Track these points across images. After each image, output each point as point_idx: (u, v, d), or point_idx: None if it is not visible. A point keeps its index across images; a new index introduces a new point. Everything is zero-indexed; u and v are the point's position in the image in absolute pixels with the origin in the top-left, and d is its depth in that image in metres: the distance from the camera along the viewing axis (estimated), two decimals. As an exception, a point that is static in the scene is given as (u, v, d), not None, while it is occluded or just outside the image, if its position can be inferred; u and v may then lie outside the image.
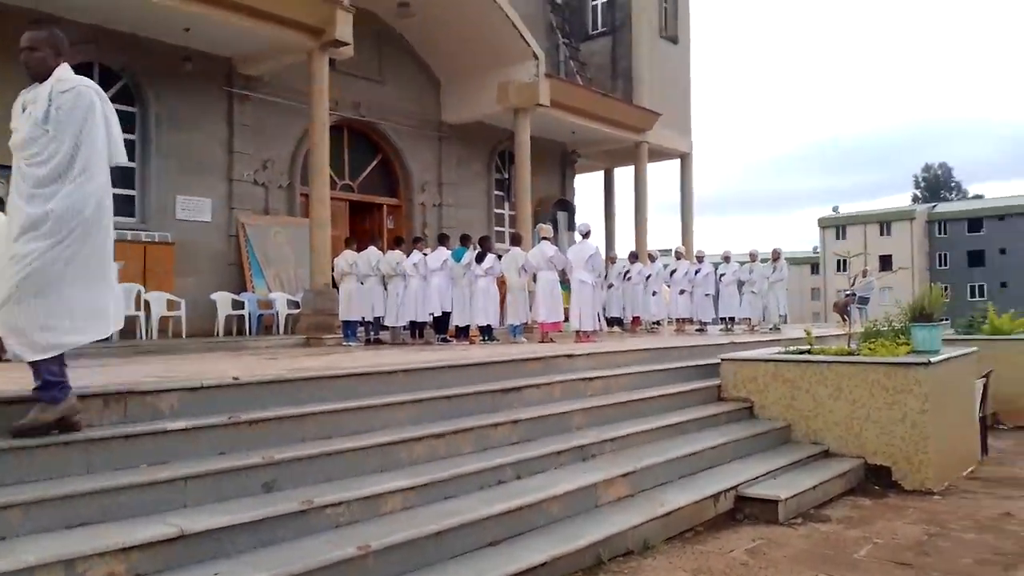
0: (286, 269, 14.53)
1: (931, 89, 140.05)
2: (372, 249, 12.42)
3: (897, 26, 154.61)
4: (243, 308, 13.10)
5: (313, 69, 12.84)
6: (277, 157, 14.71)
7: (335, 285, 12.61)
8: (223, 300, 12.89)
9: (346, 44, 12.83)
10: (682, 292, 15.87)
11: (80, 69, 12.78)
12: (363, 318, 12.28)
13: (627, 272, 15.98)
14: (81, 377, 5.36)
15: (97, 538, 3.44)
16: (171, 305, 12.26)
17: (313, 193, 13.04)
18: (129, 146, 12.79)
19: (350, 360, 7.18)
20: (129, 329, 11.72)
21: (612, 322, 16.22)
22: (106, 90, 12.33)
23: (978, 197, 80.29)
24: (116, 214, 12.21)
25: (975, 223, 69.09)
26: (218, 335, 12.60)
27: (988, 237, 67.73)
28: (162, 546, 3.53)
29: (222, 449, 4.46)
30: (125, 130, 12.99)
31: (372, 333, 12.42)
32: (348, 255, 12.33)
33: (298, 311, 13.23)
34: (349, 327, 12.14)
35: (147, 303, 11.90)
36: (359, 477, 4.71)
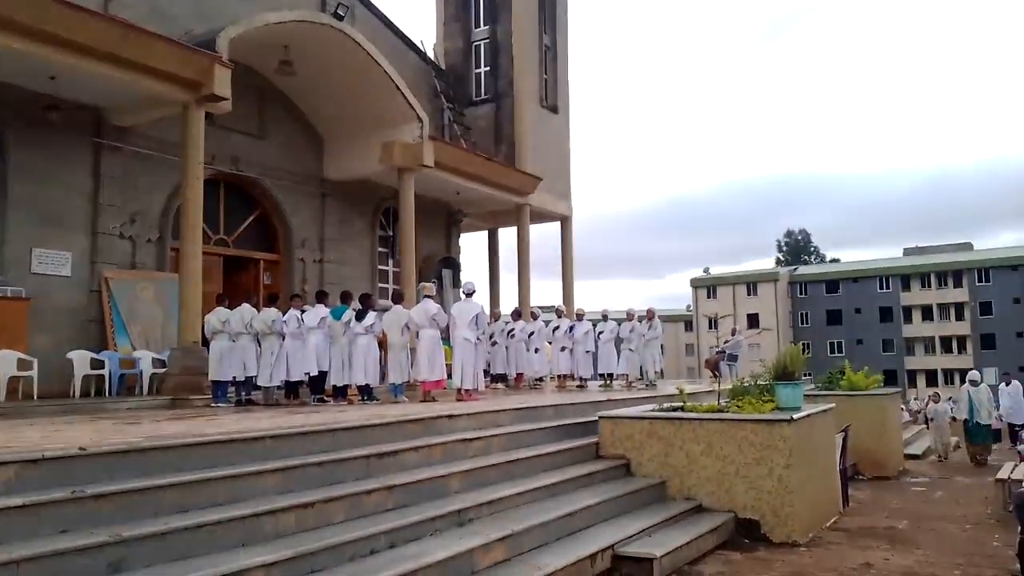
0: (153, 326, 13.75)
1: (786, 159, 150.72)
2: (245, 306, 11.95)
3: (758, 98, 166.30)
4: (103, 367, 12.27)
5: (188, 123, 12.42)
6: (147, 210, 14.04)
7: (206, 343, 12.03)
8: (81, 359, 12.03)
9: (224, 99, 12.52)
10: (563, 349, 16.10)
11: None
12: (234, 377, 11.74)
13: (511, 329, 16.10)
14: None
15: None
16: (22, 365, 11.33)
17: (184, 247, 12.49)
18: (-20, 195, 11.99)
19: (215, 425, 6.81)
20: (-29, 391, 10.76)
21: (497, 379, 16.23)
22: (-44, 135, 11.64)
23: (835, 261, 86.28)
24: (-41, 268, 11.09)
25: (832, 284, 74.11)
26: (74, 397, 11.71)
27: (844, 298, 72.71)
28: (-15, 641, 3.17)
29: (64, 527, 4.10)
30: (-24, 178, 12.14)
31: (244, 393, 11.88)
32: (220, 312, 11.80)
33: (164, 370, 12.52)
34: (219, 387, 11.56)
35: (-7, 362, 10.97)
36: (219, 553, 4.42)
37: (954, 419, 15.15)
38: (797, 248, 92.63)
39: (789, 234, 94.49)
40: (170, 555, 4.24)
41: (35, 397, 11.19)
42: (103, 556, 3.97)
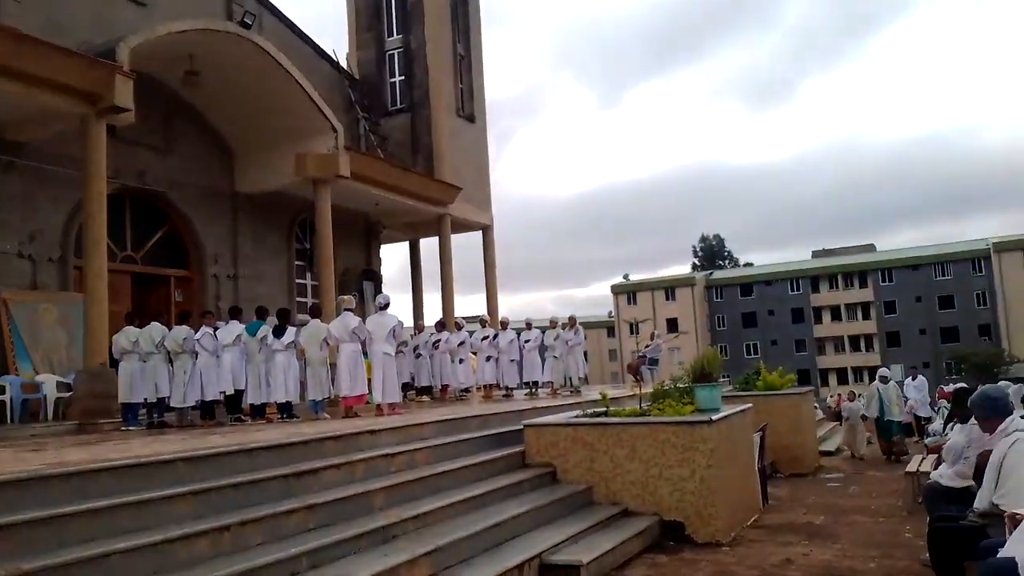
0: (57, 349, 13.08)
1: (697, 160, 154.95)
2: (155, 324, 11.49)
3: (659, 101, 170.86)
4: (4, 393, 11.61)
5: (89, 136, 11.87)
6: (47, 228, 13.38)
7: (114, 364, 11.51)
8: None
9: (127, 110, 12.04)
10: (488, 359, 16.07)
11: None
12: (146, 399, 11.27)
13: (436, 341, 15.97)
14: None
15: None
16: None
17: (89, 266, 11.94)
18: None
19: (123, 450, 6.50)
20: None
21: (421, 391, 16.07)
22: None
23: (748, 265, 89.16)
24: None
25: (746, 288, 76.58)
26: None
27: (758, 300, 75.21)
28: None
29: (-45, 566, 3.82)
30: None
31: (156, 415, 11.41)
32: (129, 331, 11.32)
33: (70, 394, 11.92)
34: (130, 410, 11.07)
35: None
36: (129, 584, 4.20)
37: (865, 417, 15.63)
38: (712, 253, 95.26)
39: (704, 239, 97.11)
40: (75, 589, 4.01)
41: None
42: (-1, 595, 3.72)
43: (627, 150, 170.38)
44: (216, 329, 11.40)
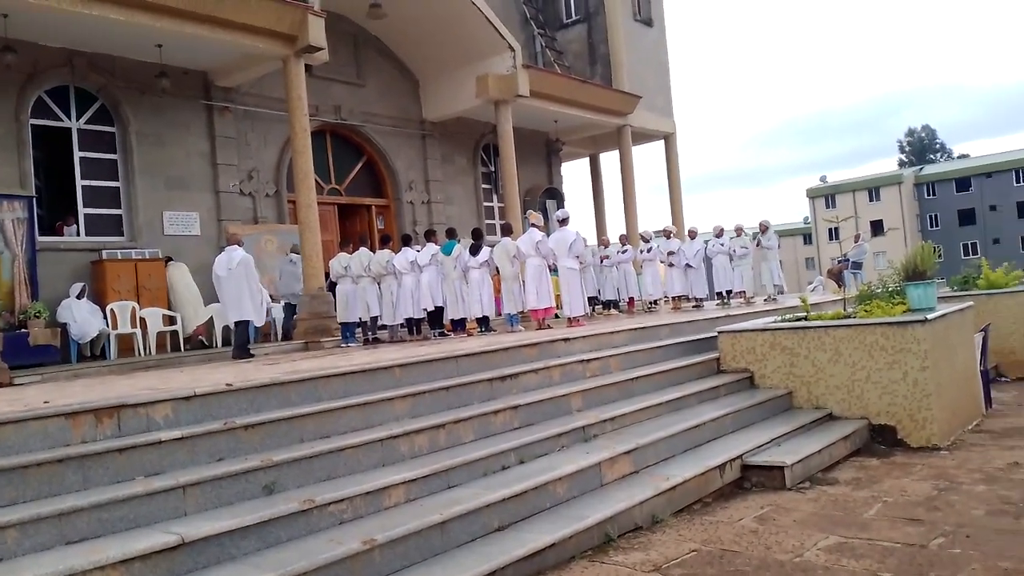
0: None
1: (903, 56, 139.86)
2: (363, 250, 12.38)
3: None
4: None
5: (289, 76, 12.75)
6: (262, 166, 14.63)
7: (331, 288, 12.58)
8: (219, 312, 12.83)
9: (320, 48, 12.74)
10: (671, 265, 15.69)
11: (55, 93, 12.54)
12: (360, 318, 12.25)
13: (623, 251, 15.90)
14: (75, 394, 5.33)
15: (96, 552, 3.41)
16: (167, 320, 12.21)
17: (300, 199, 12.97)
18: (111, 166, 12.78)
19: (347, 360, 7.14)
20: (127, 347, 11.68)
21: (608, 304, 16.19)
22: (83, 112, 12.42)
23: (964, 157, 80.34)
24: (104, 234, 12.03)
25: (963, 182, 69.15)
26: (216, 346, 12.55)
27: (977, 195, 67.80)
28: (163, 555, 3.50)
29: (220, 455, 4.43)
30: (106, 150, 12.94)
31: (370, 333, 12.39)
32: (341, 257, 12.31)
33: (295, 317, 13.19)
34: (347, 328, 12.10)
35: (143, 320, 11.85)
36: (360, 473, 4.69)
37: None
38: (922, 147, 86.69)
39: (911, 132, 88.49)
40: (317, 476, 4.53)
41: (182, 348, 12.05)
42: (257, 479, 4.29)
43: (825, 64, 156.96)
44: (418, 251, 12.07)
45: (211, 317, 12.72)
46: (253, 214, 14.46)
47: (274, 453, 4.50)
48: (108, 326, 11.48)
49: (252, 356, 10.28)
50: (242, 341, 10.35)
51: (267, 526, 3.91)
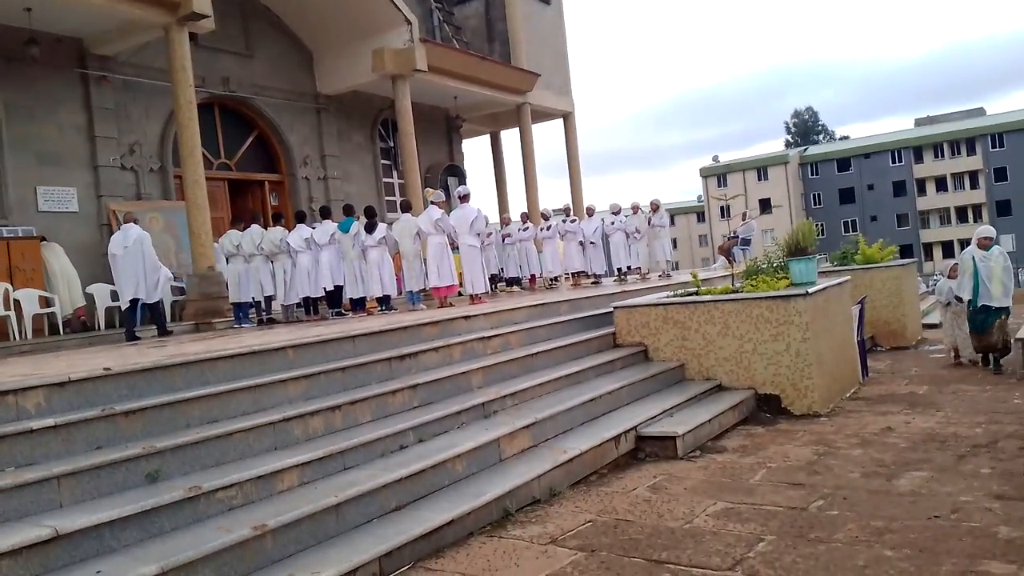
0: (166, 255, 13.76)
1: (785, 37, 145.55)
2: (255, 227, 11.94)
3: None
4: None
5: (172, 46, 12.07)
6: (144, 140, 13.87)
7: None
8: (101, 292, 12.14)
9: (205, 16, 12.09)
10: (571, 244, 15.92)
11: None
12: (253, 298, 11.86)
13: (522, 231, 16.02)
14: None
15: (-41, 550, 3.18)
16: (44, 302, 11.48)
17: (187, 175, 12.37)
18: (-23, 138, 11.85)
19: (237, 342, 6.90)
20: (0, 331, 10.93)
21: (510, 282, 16.29)
22: (-60, 78, 11.42)
23: (844, 138, 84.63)
24: (-31, 213, 10.98)
25: (843, 163, 72.93)
26: (99, 330, 11.90)
27: (856, 175, 71.69)
28: (35, 550, 3.30)
29: (98, 443, 4.21)
30: (-30, 121, 11.95)
31: (264, 313, 12.02)
32: (232, 234, 11.85)
33: (183, 297, 12.65)
34: (240, 309, 11.69)
35: (16, 302, 11.10)
36: (252, 458, 4.55)
37: (959, 299, 9.85)
38: (806, 128, 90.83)
39: (796, 114, 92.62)
40: (205, 463, 4.37)
41: (61, 332, 11.38)
42: (139, 468, 4.09)
43: (714, 41, 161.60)
44: (314, 228, 11.76)
45: (91, 298, 12.04)
46: (136, 190, 13.72)
47: (157, 440, 4.30)
48: (-24, 309, 10.71)
49: (139, 339, 9.82)
50: (135, 323, 9.91)
51: (150, 516, 3.74)
